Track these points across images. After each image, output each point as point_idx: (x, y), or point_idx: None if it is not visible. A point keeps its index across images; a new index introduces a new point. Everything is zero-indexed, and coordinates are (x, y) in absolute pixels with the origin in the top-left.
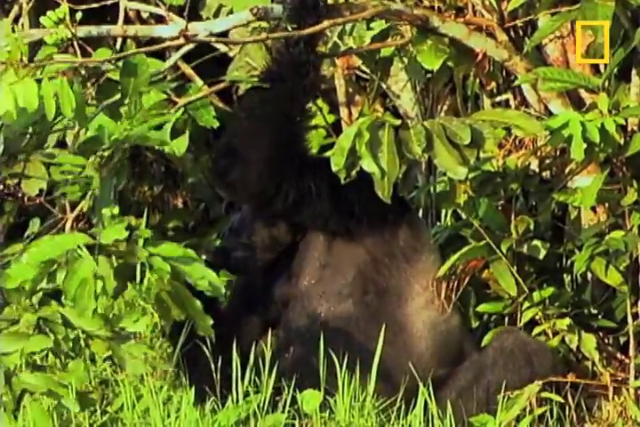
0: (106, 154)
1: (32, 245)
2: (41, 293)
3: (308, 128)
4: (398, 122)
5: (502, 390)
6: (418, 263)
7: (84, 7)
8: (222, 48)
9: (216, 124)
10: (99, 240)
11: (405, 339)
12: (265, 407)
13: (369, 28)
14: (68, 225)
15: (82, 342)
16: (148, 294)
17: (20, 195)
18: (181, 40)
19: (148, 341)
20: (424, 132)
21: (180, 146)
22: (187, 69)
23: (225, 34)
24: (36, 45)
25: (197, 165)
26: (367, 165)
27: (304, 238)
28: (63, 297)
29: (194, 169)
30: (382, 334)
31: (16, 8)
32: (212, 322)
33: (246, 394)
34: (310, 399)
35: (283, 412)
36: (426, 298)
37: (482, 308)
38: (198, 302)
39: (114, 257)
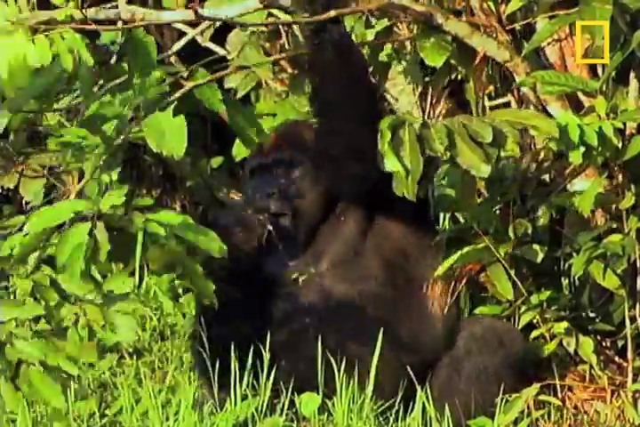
0: (97, 151)
1: (33, 215)
2: (33, 260)
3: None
4: (420, 120)
5: (483, 375)
6: (435, 259)
7: None
8: (220, 51)
9: (222, 109)
10: (97, 207)
11: (426, 322)
12: (263, 410)
13: (367, 27)
14: (72, 196)
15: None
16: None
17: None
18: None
19: (147, 344)
20: (445, 130)
21: (178, 149)
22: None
23: (224, 37)
24: None
25: (195, 168)
26: (391, 163)
27: (328, 223)
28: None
29: (192, 172)
30: (382, 330)
31: None
32: (213, 288)
33: (245, 397)
34: (309, 402)
35: (281, 415)
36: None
37: (479, 311)
38: (199, 268)
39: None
